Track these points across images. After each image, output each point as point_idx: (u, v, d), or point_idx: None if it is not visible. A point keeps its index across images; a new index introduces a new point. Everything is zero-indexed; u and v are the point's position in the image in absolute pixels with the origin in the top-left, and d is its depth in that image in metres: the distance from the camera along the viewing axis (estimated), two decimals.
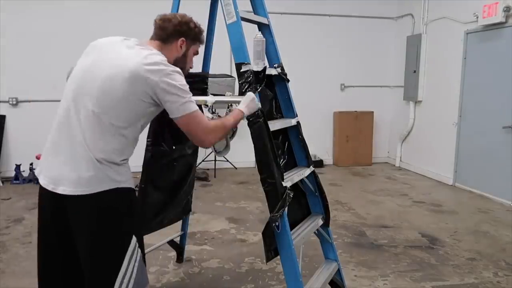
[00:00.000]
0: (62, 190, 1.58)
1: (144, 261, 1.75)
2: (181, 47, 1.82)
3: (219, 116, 2.26)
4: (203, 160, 6.04)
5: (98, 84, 1.58)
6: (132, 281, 1.65)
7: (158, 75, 1.58)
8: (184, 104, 1.63)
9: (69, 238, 1.65)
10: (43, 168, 1.66)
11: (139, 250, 1.69)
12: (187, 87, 1.66)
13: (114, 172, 1.60)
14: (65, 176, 1.58)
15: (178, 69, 1.66)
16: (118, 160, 1.62)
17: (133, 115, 1.62)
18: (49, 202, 1.65)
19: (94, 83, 1.59)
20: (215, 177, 6.06)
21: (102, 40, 1.74)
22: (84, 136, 1.57)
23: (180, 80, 1.63)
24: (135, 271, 1.66)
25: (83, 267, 1.66)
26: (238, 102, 2.01)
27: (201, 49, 2.81)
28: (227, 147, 2.25)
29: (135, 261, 1.66)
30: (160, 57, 1.65)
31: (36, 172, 1.72)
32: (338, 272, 2.62)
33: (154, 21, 1.81)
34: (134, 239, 1.66)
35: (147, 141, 2.59)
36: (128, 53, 1.62)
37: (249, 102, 1.98)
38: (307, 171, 2.45)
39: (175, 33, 1.79)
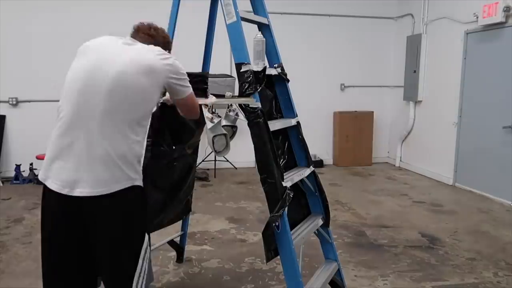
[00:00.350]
0: (79, 192, 1.55)
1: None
2: None
3: (218, 116, 2.26)
4: (203, 160, 6.03)
5: (109, 80, 1.58)
6: (145, 276, 1.70)
7: (169, 64, 1.72)
8: (188, 85, 1.83)
9: (84, 239, 1.64)
10: (53, 173, 1.60)
11: (149, 248, 1.75)
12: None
13: (130, 169, 1.62)
14: (82, 178, 1.55)
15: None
16: (138, 156, 1.65)
17: (150, 104, 1.70)
18: (62, 205, 1.60)
19: (103, 81, 1.58)
20: (215, 177, 6.06)
21: (96, 40, 1.75)
22: (100, 135, 1.56)
23: (179, 64, 1.79)
24: (146, 267, 1.71)
25: (102, 266, 1.67)
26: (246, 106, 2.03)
27: (201, 49, 2.83)
28: (227, 147, 2.25)
29: (147, 258, 1.71)
30: (160, 48, 1.78)
31: (40, 177, 1.64)
32: (338, 272, 2.62)
33: (137, 27, 1.89)
34: (146, 236, 1.71)
35: (147, 141, 2.58)
36: (138, 49, 1.71)
37: None
38: (307, 171, 2.45)
39: (163, 44, 1.89)
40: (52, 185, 1.59)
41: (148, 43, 1.82)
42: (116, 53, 1.65)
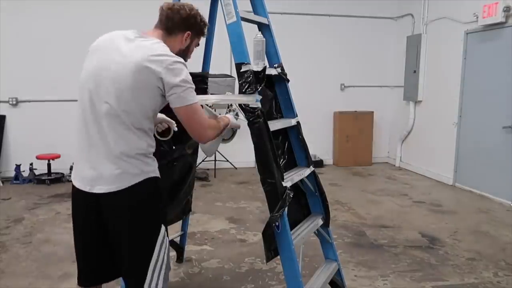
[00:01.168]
0: (98, 189, 1.65)
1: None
2: (186, 40, 1.82)
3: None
4: (203, 160, 6.03)
5: (108, 84, 1.61)
6: (164, 266, 1.74)
7: (162, 65, 1.59)
8: (185, 95, 1.63)
9: (105, 232, 1.73)
10: (78, 171, 1.73)
11: (167, 238, 1.78)
12: (190, 77, 1.66)
13: (142, 163, 1.67)
14: (100, 175, 1.64)
15: (181, 59, 1.67)
16: (144, 151, 1.67)
17: (147, 107, 1.64)
18: (85, 201, 1.72)
19: (105, 84, 1.62)
20: (215, 177, 6.06)
21: (102, 39, 1.74)
22: (110, 135, 1.62)
23: (182, 70, 1.63)
24: (166, 258, 1.75)
25: (121, 256, 1.72)
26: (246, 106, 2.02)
27: (201, 49, 2.83)
28: (233, 135, 2.24)
29: (165, 248, 1.74)
30: (162, 47, 1.66)
31: (72, 177, 1.78)
32: (338, 272, 2.62)
33: (160, 8, 1.79)
34: (163, 227, 1.74)
35: None
36: (130, 47, 1.63)
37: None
38: (307, 171, 2.45)
39: (182, 26, 1.79)
40: (78, 183, 1.72)
41: (165, 27, 1.76)
42: (113, 56, 1.64)
